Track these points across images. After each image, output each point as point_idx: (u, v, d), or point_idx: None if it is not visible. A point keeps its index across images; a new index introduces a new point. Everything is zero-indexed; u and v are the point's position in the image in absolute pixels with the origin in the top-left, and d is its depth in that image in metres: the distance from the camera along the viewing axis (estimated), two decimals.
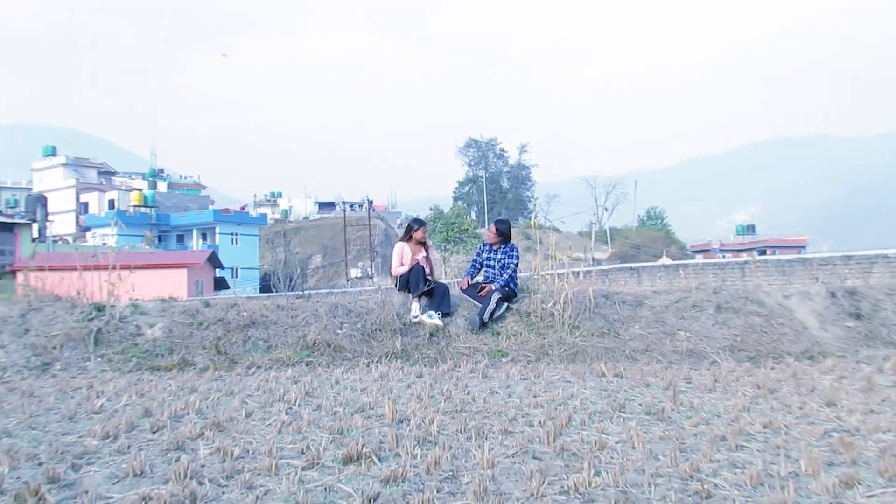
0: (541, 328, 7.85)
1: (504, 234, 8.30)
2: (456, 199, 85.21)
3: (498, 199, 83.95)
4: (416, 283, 7.91)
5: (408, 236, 8.24)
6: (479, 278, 8.47)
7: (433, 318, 7.76)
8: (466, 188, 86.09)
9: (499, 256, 8.28)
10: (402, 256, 8.20)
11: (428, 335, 7.66)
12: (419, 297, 7.94)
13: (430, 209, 58.24)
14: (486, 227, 8.74)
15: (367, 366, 6.78)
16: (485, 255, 8.44)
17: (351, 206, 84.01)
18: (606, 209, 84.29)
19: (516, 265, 8.18)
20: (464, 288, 8.34)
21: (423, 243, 8.26)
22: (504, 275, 8.10)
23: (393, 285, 8.40)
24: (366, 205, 76.29)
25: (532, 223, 10.10)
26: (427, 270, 8.07)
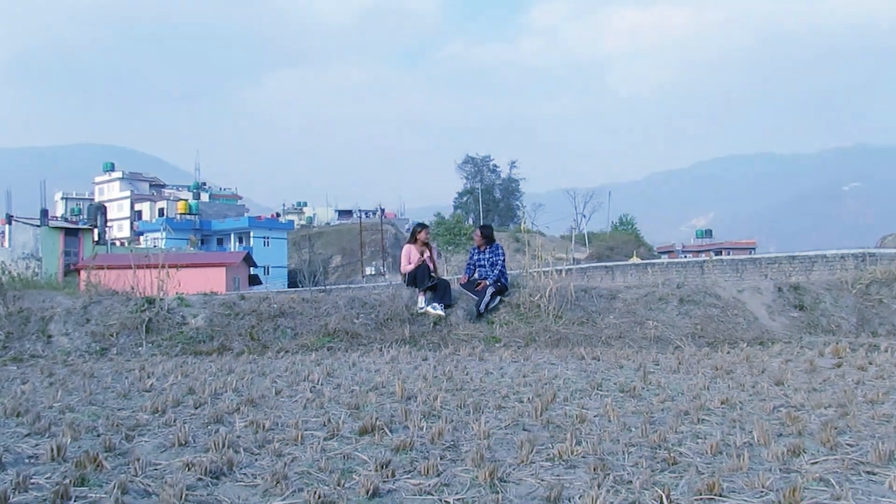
0: (529, 318, 7.82)
1: (488, 237, 8.26)
2: (456, 207, 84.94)
3: (492, 208, 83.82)
4: (422, 279, 7.88)
5: (413, 238, 8.22)
6: (476, 276, 8.43)
7: (436, 310, 7.73)
8: (465, 198, 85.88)
9: (487, 256, 8.23)
10: (410, 256, 8.16)
11: (432, 324, 7.64)
12: (424, 291, 7.91)
13: (434, 216, 58.40)
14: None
15: (380, 350, 6.74)
16: (476, 257, 8.40)
17: (366, 213, 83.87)
18: (584, 216, 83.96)
19: (503, 261, 8.10)
20: (463, 283, 8.30)
21: (426, 244, 8.21)
22: (494, 271, 8.04)
23: (402, 281, 8.38)
24: (378, 212, 76.70)
25: (521, 228, 10.15)
26: (431, 268, 8.04)
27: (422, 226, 8.30)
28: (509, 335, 7.37)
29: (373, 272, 56.03)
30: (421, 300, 7.83)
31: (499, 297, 8.01)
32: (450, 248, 52.44)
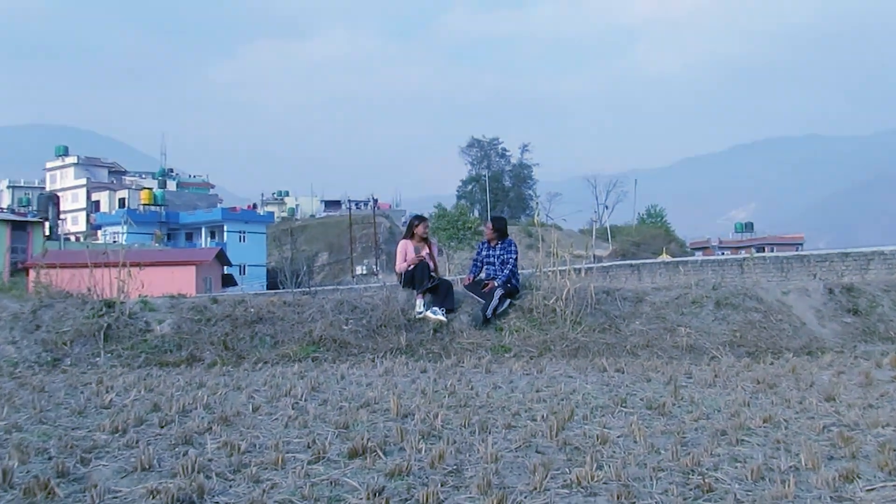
0: (543, 324, 7.83)
1: (500, 231, 8.31)
2: (459, 197, 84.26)
3: (500, 198, 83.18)
4: (421, 279, 7.90)
5: (410, 233, 8.27)
6: (482, 276, 8.46)
7: (437, 315, 7.74)
8: (469, 187, 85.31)
9: (497, 252, 8.28)
10: (406, 254, 8.19)
11: (432, 331, 7.64)
12: (423, 293, 7.93)
13: (434, 207, 57.54)
14: (485, 225, 8.78)
15: (373, 361, 6.76)
16: (484, 253, 8.45)
17: (356, 204, 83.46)
18: (607, 207, 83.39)
19: (515, 259, 8.18)
20: (467, 284, 8.34)
21: (425, 240, 8.27)
22: (505, 270, 8.11)
23: (397, 282, 8.39)
24: (371, 203, 76.50)
25: (534, 221, 10.09)
26: (431, 267, 8.06)
27: (420, 219, 8.34)
28: (521, 344, 7.41)
29: (364, 271, 56.03)
30: (419, 303, 7.86)
31: (509, 301, 8.05)
32: (452, 243, 52.21)
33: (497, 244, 8.33)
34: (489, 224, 8.41)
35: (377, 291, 8.44)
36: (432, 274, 8.04)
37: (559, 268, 8.44)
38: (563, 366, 6.46)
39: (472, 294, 8.23)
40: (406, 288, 8.16)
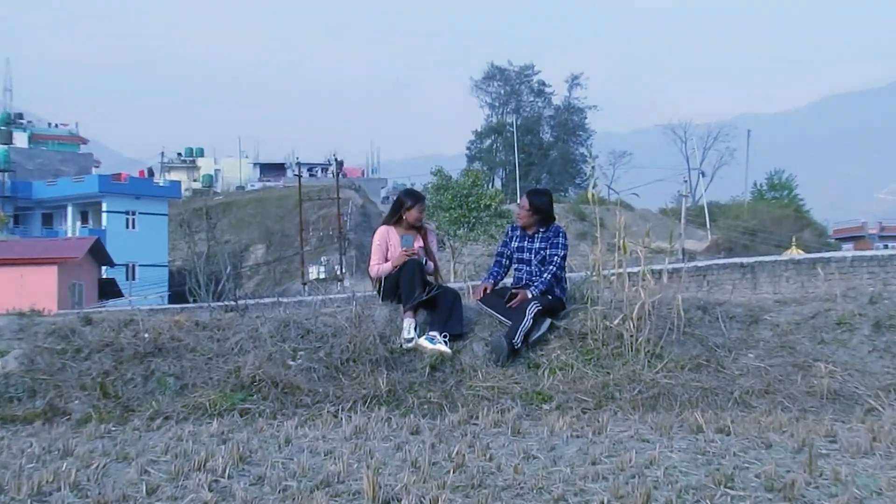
0: (603, 358, 7.80)
1: (542, 212, 8.36)
2: (471, 158, 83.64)
3: (536, 159, 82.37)
4: (411, 288, 7.90)
5: (396, 217, 8.29)
6: (508, 281, 8.48)
7: (435, 343, 7.72)
8: (487, 142, 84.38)
9: (536, 246, 8.33)
10: (388, 248, 8.22)
11: (428, 369, 7.62)
12: (415, 309, 7.92)
13: (432, 174, 55.78)
14: (518, 201, 8.80)
15: (335, 416, 6.74)
16: (515, 245, 8.47)
17: (310, 169, 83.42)
18: (703, 174, 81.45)
19: (563, 257, 8.23)
20: (482, 298, 8.36)
21: (419, 228, 8.29)
22: (545, 274, 8.13)
23: (374, 291, 8.41)
24: (332, 167, 75.58)
25: (588, 196, 9.93)
26: (427, 268, 8.15)
27: (413, 197, 8.39)
28: (567, 389, 7.35)
29: (322, 275, 55.73)
30: (408, 326, 7.84)
31: (548, 321, 8.04)
32: (460, 231, 51.42)
33: (537, 232, 8.39)
34: (525, 201, 8.41)
35: (342, 307, 8.40)
36: (429, 279, 8.03)
37: (628, 269, 8.37)
38: (633, 423, 6.43)
39: (490, 310, 8.25)
40: (387, 301, 8.16)
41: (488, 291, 8.31)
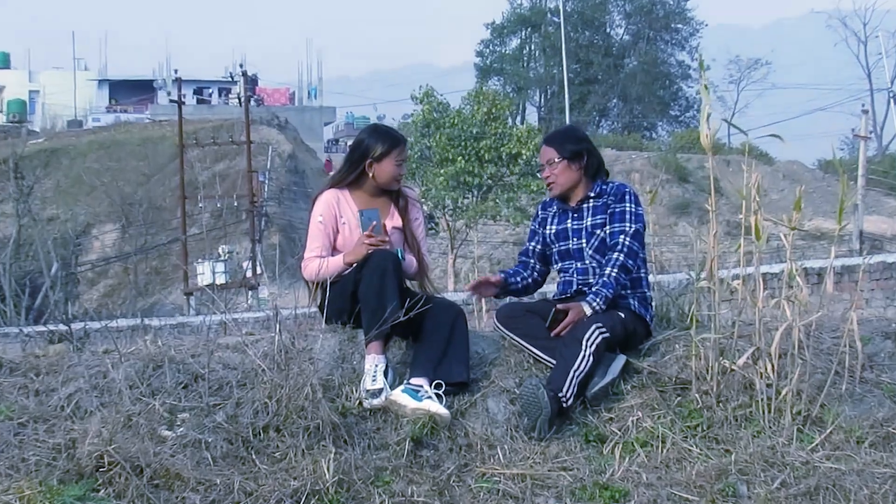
0: (718, 424, 5.96)
1: (586, 161, 6.40)
2: (484, 71, 61.08)
3: (601, 73, 59.54)
4: (378, 301, 6.06)
5: (354, 175, 6.45)
6: (550, 289, 6.71)
7: (422, 398, 5.90)
8: (513, 43, 60.40)
9: (587, 223, 6.38)
10: (340, 230, 6.39)
11: (408, 444, 5.73)
12: (385, 339, 6.06)
13: (416, 99, 37.66)
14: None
15: None
16: (551, 230, 6.49)
17: (199, 91, 59.90)
18: (893, 94, 54.71)
19: (637, 236, 6.28)
20: (501, 319, 6.45)
21: (394, 196, 6.57)
22: (607, 268, 6.16)
23: (314, 306, 6.67)
24: (238, 89, 45.67)
25: (702, 138, 7.20)
26: (406, 266, 6.37)
27: (382, 138, 6.47)
28: (656, 480, 5.61)
29: (221, 277, 37.21)
30: (375, 367, 5.95)
31: (622, 359, 6.03)
32: (465, 201, 36.03)
33: (583, 201, 6.40)
34: (548, 151, 6.43)
35: (257, 334, 6.90)
36: (409, 286, 6.28)
37: (764, 268, 6.44)
38: None
39: (519, 340, 6.25)
40: (336, 324, 6.39)
41: (492, 280, 6.52)
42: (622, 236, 6.12)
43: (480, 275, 8.11)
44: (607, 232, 6.19)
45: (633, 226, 6.15)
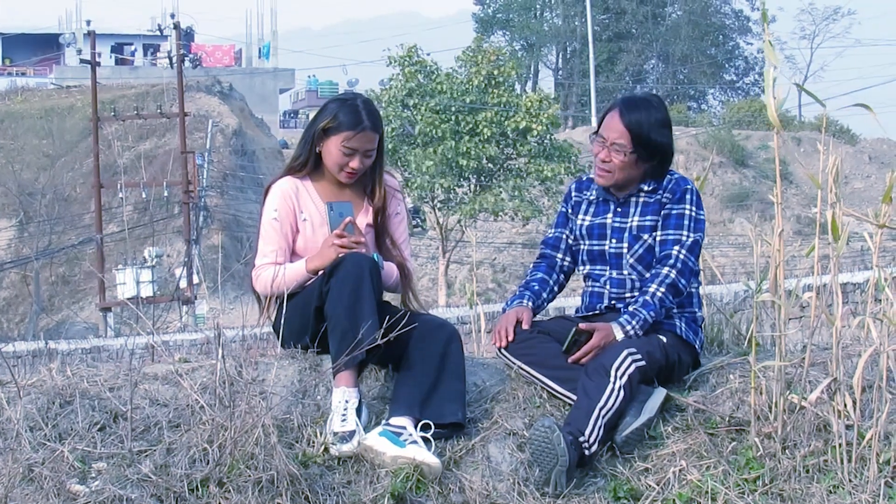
0: (785, 475, 5.30)
1: (655, 148, 5.38)
2: (485, 23, 52.55)
3: (634, 27, 50.30)
4: (351, 320, 5.50)
5: (312, 154, 5.75)
6: (568, 303, 6.89)
7: (405, 444, 5.37)
8: None
9: (633, 223, 5.52)
10: (300, 228, 5.78)
11: (387, 500, 5.22)
12: (359, 369, 5.51)
13: (392, 62, 32.72)
14: (594, 121, 5.52)
15: None
16: (587, 219, 5.60)
17: (118, 48, 52.13)
18: None
19: (695, 248, 5.47)
20: (508, 347, 5.64)
21: (371, 185, 5.92)
22: (654, 284, 5.32)
23: (267, 325, 6.12)
24: (170, 43, 41.07)
25: (769, 110, 6.12)
26: (385, 274, 5.74)
27: (352, 111, 5.65)
28: None
29: (149, 289, 31.92)
30: (345, 404, 5.42)
31: (661, 393, 5.35)
32: (459, 191, 31.45)
33: (634, 195, 5.61)
34: (614, 120, 5.44)
35: (195, 361, 6.26)
36: (388, 301, 5.69)
37: (838, 276, 5.73)
38: None
39: (528, 370, 5.53)
40: (295, 349, 5.79)
41: (523, 326, 5.48)
42: (677, 247, 5.22)
43: (483, 290, 7.23)
44: (657, 239, 5.29)
45: (692, 235, 5.27)
